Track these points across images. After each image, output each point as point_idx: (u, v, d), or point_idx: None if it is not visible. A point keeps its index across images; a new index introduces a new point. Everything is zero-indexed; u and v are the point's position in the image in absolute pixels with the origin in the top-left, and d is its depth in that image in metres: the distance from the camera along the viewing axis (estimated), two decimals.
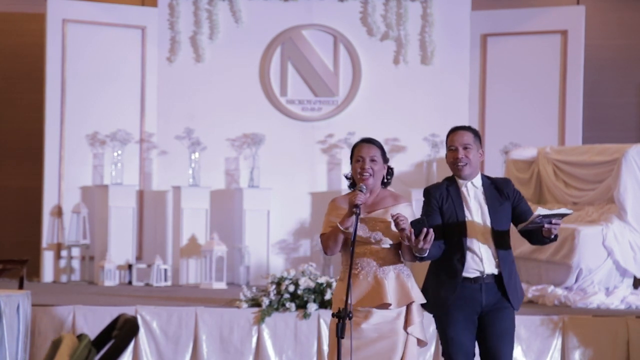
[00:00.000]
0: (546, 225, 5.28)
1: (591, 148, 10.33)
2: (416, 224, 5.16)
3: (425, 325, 5.45)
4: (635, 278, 9.57)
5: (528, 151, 10.84)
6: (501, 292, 5.42)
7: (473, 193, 5.49)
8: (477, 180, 5.52)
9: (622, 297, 9.15)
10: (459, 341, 5.42)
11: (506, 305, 5.44)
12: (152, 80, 12.12)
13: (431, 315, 5.56)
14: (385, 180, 5.45)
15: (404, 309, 5.31)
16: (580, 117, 11.79)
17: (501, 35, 12.18)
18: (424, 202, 5.53)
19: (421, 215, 5.37)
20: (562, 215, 5.30)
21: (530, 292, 9.44)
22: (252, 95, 12.17)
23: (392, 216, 5.19)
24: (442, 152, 11.74)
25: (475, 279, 5.40)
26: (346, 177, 5.54)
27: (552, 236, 5.36)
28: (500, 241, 5.40)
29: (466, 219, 5.42)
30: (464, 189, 5.49)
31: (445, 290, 5.43)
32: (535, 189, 10.54)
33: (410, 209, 5.39)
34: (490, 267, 5.39)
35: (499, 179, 5.60)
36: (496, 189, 5.51)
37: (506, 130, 11.92)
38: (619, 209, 9.43)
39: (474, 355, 5.50)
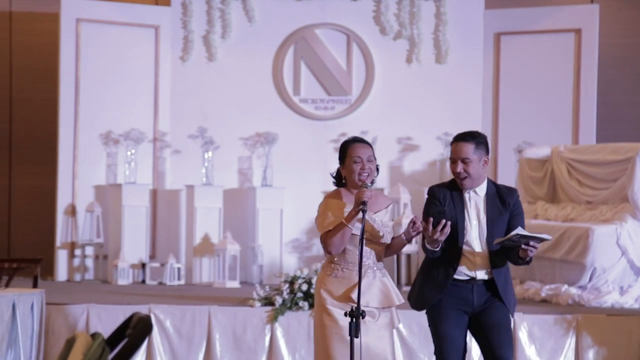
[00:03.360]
0: (523, 246, 5.28)
1: (605, 147, 10.30)
2: (437, 214, 5.18)
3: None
4: None
5: (542, 150, 10.82)
6: (493, 293, 5.44)
7: (475, 201, 5.49)
8: (481, 189, 5.50)
9: (636, 296, 9.12)
10: (450, 337, 5.46)
11: (499, 302, 5.45)
12: (165, 79, 12.14)
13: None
14: (373, 180, 5.52)
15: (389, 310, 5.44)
16: (594, 115, 11.76)
17: (515, 34, 12.16)
18: (427, 200, 5.54)
19: (424, 213, 5.41)
20: (541, 240, 5.29)
21: (544, 291, 9.42)
22: (265, 94, 12.17)
23: (414, 219, 5.27)
24: None
25: (467, 281, 5.43)
26: (332, 175, 5.57)
27: (527, 259, 5.35)
28: (495, 251, 5.40)
29: (465, 225, 5.43)
30: (466, 195, 5.49)
31: (433, 289, 5.47)
32: (549, 188, 10.52)
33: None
34: (482, 273, 5.43)
35: (505, 188, 5.57)
36: (499, 198, 5.49)
37: (520, 129, 11.89)
38: (633, 207, 9.41)
39: (465, 351, 5.53)
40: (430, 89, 12.14)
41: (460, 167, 5.43)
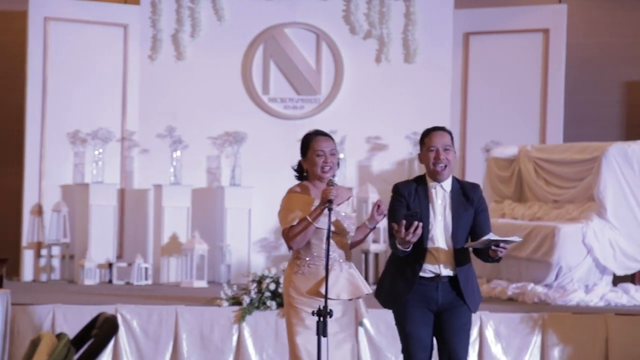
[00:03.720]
0: (493, 247, 5.32)
1: (572, 146, 10.36)
2: (409, 217, 5.21)
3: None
4: (614, 275, 9.62)
5: (509, 149, 10.87)
6: (457, 292, 5.47)
7: (441, 196, 5.51)
8: (447, 184, 5.53)
9: (601, 294, 9.19)
10: (417, 336, 5.49)
11: (462, 304, 5.49)
12: (134, 78, 12.10)
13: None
14: (334, 174, 5.55)
15: (355, 301, 5.48)
16: (561, 115, 11.83)
17: (483, 33, 12.20)
18: (392, 197, 5.56)
19: (389, 211, 5.44)
20: (510, 242, 5.34)
21: (510, 289, 9.47)
22: (234, 93, 12.15)
23: (378, 202, 5.36)
24: None
25: (432, 278, 5.45)
26: (294, 168, 5.59)
27: (497, 258, 5.40)
28: (459, 245, 5.43)
29: (430, 221, 5.45)
30: (432, 191, 5.51)
31: (401, 287, 5.50)
32: (516, 187, 10.58)
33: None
34: (446, 270, 5.46)
35: (469, 184, 5.61)
36: (464, 194, 5.53)
37: (488, 129, 11.95)
38: (599, 206, 9.47)
39: (432, 349, 5.56)
40: (399, 88, 12.17)
41: (442, 155, 5.47)
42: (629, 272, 9.77)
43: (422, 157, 5.57)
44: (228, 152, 11.96)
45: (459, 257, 5.46)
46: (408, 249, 5.33)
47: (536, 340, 8.17)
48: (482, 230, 5.46)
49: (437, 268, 5.46)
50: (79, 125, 11.80)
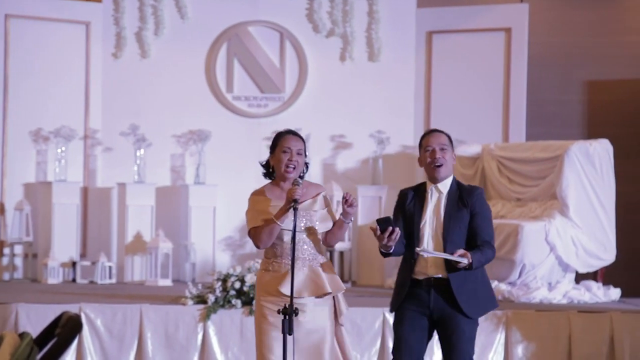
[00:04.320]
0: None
1: (534, 145, 10.45)
2: (382, 222, 5.26)
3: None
4: (577, 273, 9.71)
5: (472, 148, 10.95)
6: (452, 297, 5.44)
7: (436, 198, 5.54)
8: (444, 186, 5.55)
9: (564, 292, 9.27)
10: (406, 339, 5.49)
11: (455, 314, 5.44)
12: (97, 76, 12.02)
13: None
14: (301, 175, 5.54)
15: (331, 299, 5.44)
16: (524, 113, 11.91)
17: (446, 32, 12.25)
18: (397, 202, 5.65)
19: (394, 214, 5.51)
20: (455, 262, 5.31)
21: None
22: (198, 91, 12.12)
23: (345, 195, 5.35)
24: (388, 149, 11.83)
25: (424, 281, 5.46)
26: (261, 164, 5.60)
27: (463, 266, 5.34)
28: (453, 248, 5.40)
29: (421, 223, 5.48)
30: (428, 192, 5.54)
31: (400, 290, 5.54)
32: (480, 185, 10.63)
33: (326, 197, 5.57)
34: (436, 271, 5.44)
35: (468, 186, 5.62)
36: (460, 196, 5.54)
37: (451, 127, 11.73)
38: (561, 205, 9.56)
39: (421, 354, 5.54)
40: (364, 86, 12.19)
41: (439, 154, 5.50)
42: (591, 269, 9.87)
43: (421, 160, 5.61)
44: (192, 150, 11.93)
45: (451, 261, 5.40)
46: (390, 251, 5.38)
47: (500, 337, 8.23)
48: (477, 235, 5.46)
49: (426, 270, 5.47)
50: (41, 123, 11.71)
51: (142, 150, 11.62)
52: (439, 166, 5.51)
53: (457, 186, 5.58)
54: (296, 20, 12.21)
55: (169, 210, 11.80)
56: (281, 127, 11.82)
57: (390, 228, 5.26)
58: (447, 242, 5.43)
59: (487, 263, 5.50)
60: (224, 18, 12.14)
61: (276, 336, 5.31)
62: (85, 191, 11.89)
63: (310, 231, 5.43)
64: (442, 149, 5.53)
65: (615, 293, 9.60)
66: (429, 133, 5.65)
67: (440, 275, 5.44)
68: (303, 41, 12.21)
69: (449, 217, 5.46)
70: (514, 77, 11.92)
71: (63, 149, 11.53)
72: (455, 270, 5.39)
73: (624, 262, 10.40)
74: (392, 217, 5.40)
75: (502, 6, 12.15)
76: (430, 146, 5.55)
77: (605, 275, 10.16)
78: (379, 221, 5.29)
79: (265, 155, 5.72)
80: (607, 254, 9.72)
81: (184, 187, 11.81)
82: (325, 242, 5.53)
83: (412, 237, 5.49)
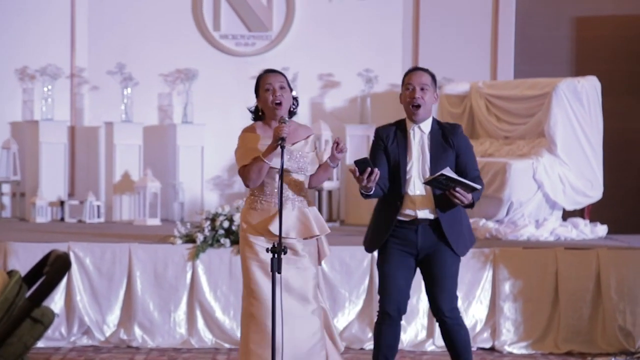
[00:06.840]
0: (450, 191, 5.28)
1: (523, 82, 10.43)
2: (360, 163, 5.23)
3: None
4: (564, 210, 9.76)
5: (461, 86, 10.91)
6: (440, 236, 5.46)
7: (419, 137, 5.52)
8: (426, 125, 5.53)
9: (551, 229, 9.32)
10: (393, 275, 5.52)
11: (445, 249, 5.48)
12: (83, 13, 11.89)
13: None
14: (292, 109, 5.53)
15: (315, 240, 5.48)
16: (512, 50, 11.86)
17: None
18: (373, 141, 5.61)
19: (370, 154, 5.46)
20: (471, 188, 5.29)
21: None
22: (185, 30, 12.01)
23: (336, 139, 5.36)
24: (376, 87, 11.78)
25: (411, 222, 5.47)
26: (250, 110, 5.59)
27: (463, 204, 5.33)
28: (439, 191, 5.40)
29: (407, 163, 5.46)
30: (410, 132, 5.52)
31: (381, 229, 5.52)
32: (468, 123, 10.63)
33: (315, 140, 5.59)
34: (424, 212, 5.45)
35: (448, 124, 5.60)
36: (443, 135, 5.51)
37: (440, 65, 11.80)
38: (549, 142, 9.56)
39: (407, 291, 5.57)
40: (351, 25, 12.10)
41: (418, 93, 5.46)
42: (578, 206, 9.92)
43: (401, 97, 5.57)
44: (180, 89, 11.87)
45: (441, 199, 5.40)
46: (370, 192, 5.36)
47: (487, 275, 8.28)
48: (465, 172, 5.45)
49: (414, 211, 5.46)
50: (27, 62, 11.61)
51: (129, 89, 11.55)
52: (416, 106, 5.47)
53: (437, 125, 5.56)
54: None
55: (156, 149, 11.77)
56: (269, 66, 11.80)
57: (369, 169, 5.23)
58: None
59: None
60: None
61: (265, 274, 5.34)
62: (72, 130, 11.84)
63: (302, 172, 5.45)
64: (422, 89, 5.49)
65: (602, 230, 9.65)
66: (412, 70, 5.61)
67: (430, 217, 5.46)
68: None
69: (435, 158, 5.45)
70: (502, 14, 11.85)
71: (49, 87, 11.45)
72: (444, 212, 5.41)
73: (611, 199, 10.43)
74: (367, 157, 5.35)
75: None
76: (411, 84, 5.51)
77: (592, 212, 10.21)
78: (357, 162, 5.25)
79: (252, 93, 5.69)
80: (594, 191, 9.76)
81: (172, 126, 11.77)
82: (308, 184, 5.54)
83: (397, 178, 5.47)
